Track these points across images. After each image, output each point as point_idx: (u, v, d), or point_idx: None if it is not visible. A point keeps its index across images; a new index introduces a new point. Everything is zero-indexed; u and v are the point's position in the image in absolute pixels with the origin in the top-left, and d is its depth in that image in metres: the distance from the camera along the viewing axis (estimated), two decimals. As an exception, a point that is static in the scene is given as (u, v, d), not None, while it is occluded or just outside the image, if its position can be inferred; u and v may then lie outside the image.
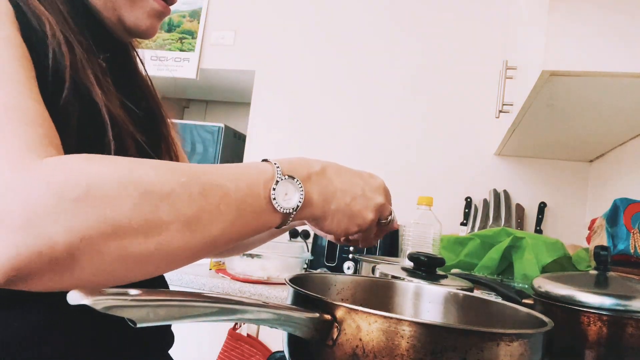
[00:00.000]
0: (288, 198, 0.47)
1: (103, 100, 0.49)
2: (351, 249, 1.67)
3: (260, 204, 0.45)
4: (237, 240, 0.45)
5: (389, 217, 0.58)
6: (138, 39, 0.68)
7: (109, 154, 0.49)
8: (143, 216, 0.37)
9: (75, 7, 0.54)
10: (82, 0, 0.56)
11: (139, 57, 0.70)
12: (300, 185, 0.48)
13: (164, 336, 0.63)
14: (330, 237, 0.71)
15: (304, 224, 0.70)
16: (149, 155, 0.56)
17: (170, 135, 0.69)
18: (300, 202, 0.47)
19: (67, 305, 0.47)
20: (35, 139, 0.38)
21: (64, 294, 0.46)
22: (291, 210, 0.47)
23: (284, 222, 0.48)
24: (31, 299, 0.46)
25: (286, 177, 0.47)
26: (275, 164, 0.47)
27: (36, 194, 0.34)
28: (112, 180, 0.37)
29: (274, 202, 0.46)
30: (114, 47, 0.61)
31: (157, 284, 0.63)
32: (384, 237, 1.69)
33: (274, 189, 0.46)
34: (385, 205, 0.57)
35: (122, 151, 0.51)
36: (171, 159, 0.68)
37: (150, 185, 0.38)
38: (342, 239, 0.68)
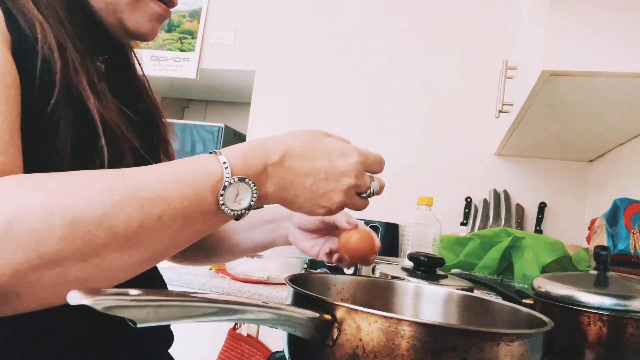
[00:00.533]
0: (239, 199, 0.44)
1: (95, 105, 0.48)
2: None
3: (209, 208, 0.43)
4: (186, 245, 0.44)
5: (368, 191, 0.54)
6: (137, 41, 0.68)
7: (103, 159, 0.48)
8: (74, 244, 0.35)
9: (74, 9, 0.53)
10: (81, 3, 0.56)
11: (137, 59, 0.69)
12: (253, 185, 0.45)
13: (164, 335, 0.63)
14: (312, 255, 0.72)
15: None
16: (146, 160, 0.55)
17: (167, 138, 0.69)
18: (252, 202, 0.45)
19: (66, 305, 0.47)
20: None
21: None
22: (243, 211, 0.45)
23: (238, 219, 0.46)
24: None
25: (235, 179, 0.43)
26: (224, 163, 0.43)
27: None
28: (36, 211, 0.35)
29: (222, 207, 0.43)
30: (113, 49, 0.60)
31: (155, 284, 0.63)
32: (384, 236, 1.70)
33: (221, 195, 0.43)
34: (357, 184, 0.52)
35: (118, 156, 0.51)
36: (169, 160, 0.68)
37: (79, 212, 0.36)
38: (322, 254, 0.69)
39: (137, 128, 0.56)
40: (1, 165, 0.39)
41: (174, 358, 0.66)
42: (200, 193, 0.42)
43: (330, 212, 0.51)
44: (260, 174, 0.46)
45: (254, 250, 0.80)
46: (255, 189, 0.45)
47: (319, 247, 0.71)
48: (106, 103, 0.51)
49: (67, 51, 0.48)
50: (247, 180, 0.44)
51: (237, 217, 0.45)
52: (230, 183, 0.43)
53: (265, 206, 0.56)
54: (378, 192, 0.55)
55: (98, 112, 0.49)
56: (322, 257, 0.71)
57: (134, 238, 0.38)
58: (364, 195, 0.54)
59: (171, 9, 0.61)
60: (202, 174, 0.43)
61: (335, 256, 0.69)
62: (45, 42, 0.47)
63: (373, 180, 0.54)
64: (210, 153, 0.45)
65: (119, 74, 0.62)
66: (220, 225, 0.46)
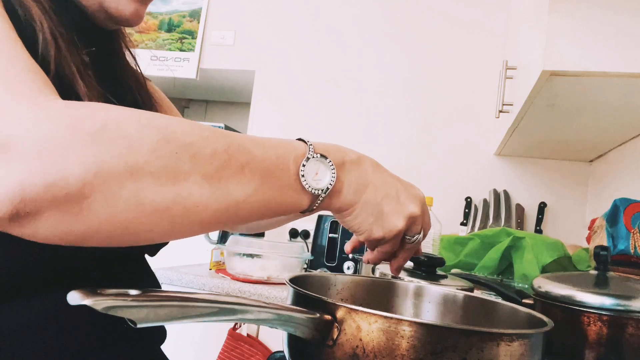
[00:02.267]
0: (318, 178, 0.44)
1: (85, 93, 0.47)
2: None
3: (288, 179, 0.43)
4: (257, 216, 0.42)
5: (416, 236, 0.52)
6: (135, 41, 0.67)
7: None
8: (161, 162, 0.35)
9: (61, 2, 0.53)
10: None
11: (129, 49, 0.67)
12: (332, 167, 0.45)
13: (156, 331, 0.63)
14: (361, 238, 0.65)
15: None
16: None
17: None
18: (331, 184, 0.44)
19: (58, 299, 0.47)
20: (45, 84, 0.38)
21: (56, 288, 0.46)
22: (320, 192, 0.44)
23: (310, 207, 0.45)
24: (23, 294, 0.46)
25: (318, 155, 0.44)
26: (308, 142, 0.45)
27: (51, 124, 0.33)
28: (131, 121, 0.35)
29: (302, 179, 0.43)
30: (99, 40, 0.59)
31: (147, 284, 0.63)
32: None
33: (303, 165, 0.43)
34: (418, 218, 0.50)
35: None
36: None
37: (171, 133, 0.36)
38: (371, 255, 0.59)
39: None
40: (50, 85, 0.39)
41: (166, 355, 0.66)
42: (283, 159, 0.42)
43: (386, 237, 0.49)
44: (339, 165, 0.46)
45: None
46: (334, 172, 0.45)
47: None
48: (94, 92, 0.50)
49: (57, 38, 0.48)
50: (328, 160, 0.45)
51: (311, 202, 0.44)
52: (313, 157, 0.44)
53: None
54: (418, 245, 0.54)
55: (87, 98, 0.48)
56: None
57: (214, 177, 0.38)
58: (409, 237, 0.52)
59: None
60: (287, 145, 0.44)
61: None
62: (42, 27, 0.46)
63: (423, 230, 0.52)
64: None
65: (106, 66, 0.61)
66: (292, 210, 0.44)
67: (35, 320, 0.47)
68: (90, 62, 0.56)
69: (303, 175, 0.43)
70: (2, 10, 0.43)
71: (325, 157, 0.44)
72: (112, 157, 0.33)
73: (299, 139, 0.46)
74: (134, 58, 0.68)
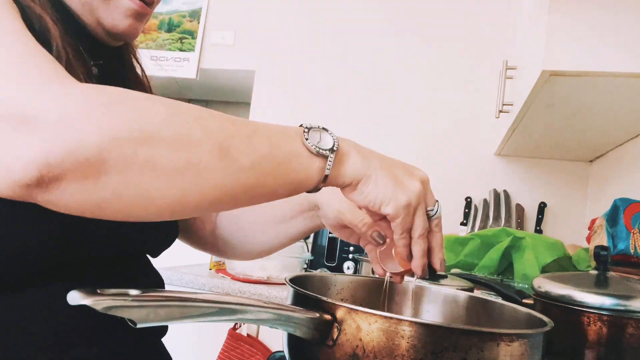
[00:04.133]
0: (322, 142, 0.45)
1: None
2: (351, 248, 1.66)
3: (294, 146, 0.44)
4: (269, 188, 0.43)
5: (437, 207, 0.49)
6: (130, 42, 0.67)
7: None
8: (173, 129, 0.38)
9: (66, 19, 0.54)
10: (69, 12, 0.56)
11: (139, 62, 0.68)
12: (333, 135, 0.46)
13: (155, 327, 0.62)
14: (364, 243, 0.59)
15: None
16: None
17: None
18: (336, 145, 0.45)
19: (54, 291, 0.47)
20: (63, 70, 0.41)
21: (52, 280, 0.46)
22: (327, 152, 0.44)
23: (321, 176, 0.44)
24: (21, 285, 0.46)
25: (318, 126, 0.45)
26: (302, 124, 0.46)
27: (72, 98, 0.37)
28: (144, 97, 0.39)
29: (306, 142, 0.44)
30: (108, 55, 0.60)
31: (152, 284, 0.63)
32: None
33: (306, 132, 0.44)
34: (428, 184, 0.50)
35: None
36: None
37: (179, 107, 0.40)
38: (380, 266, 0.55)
39: None
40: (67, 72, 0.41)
41: (166, 348, 0.65)
42: (286, 130, 0.44)
43: (411, 204, 0.47)
44: (340, 139, 0.46)
45: (295, 238, 0.75)
46: (336, 139, 0.45)
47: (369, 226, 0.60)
48: None
49: (68, 48, 0.49)
50: (330, 131, 0.46)
51: (322, 164, 0.44)
52: (313, 127, 0.45)
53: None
54: (439, 217, 0.50)
55: None
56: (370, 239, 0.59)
57: (223, 145, 0.40)
58: (431, 209, 0.49)
59: (151, 8, 0.60)
60: (284, 125, 0.45)
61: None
62: (55, 38, 0.48)
63: (437, 202, 0.50)
64: None
65: (114, 79, 0.62)
66: (303, 179, 0.44)
67: (30, 310, 0.47)
68: (100, 75, 0.57)
69: (307, 139, 0.44)
70: (19, 18, 0.45)
71: (326, 129, 0.46)
72: (126, 125, 0.36)
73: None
74: (143, 71, 0.69)
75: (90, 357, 0.50)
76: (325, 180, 0.45)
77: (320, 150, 0.44)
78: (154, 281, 0.64)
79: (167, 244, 0.65)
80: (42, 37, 0.47)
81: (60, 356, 0.47)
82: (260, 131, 0.43)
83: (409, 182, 0.47)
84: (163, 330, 0.65)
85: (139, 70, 0.69)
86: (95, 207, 0.38)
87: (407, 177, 0.48)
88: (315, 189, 0.46)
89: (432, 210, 0.49)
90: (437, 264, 0.51)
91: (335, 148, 0.45)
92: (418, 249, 0.49)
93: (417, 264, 0.49)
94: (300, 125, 0.46)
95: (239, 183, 0.41)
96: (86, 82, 0.50)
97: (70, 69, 0.49)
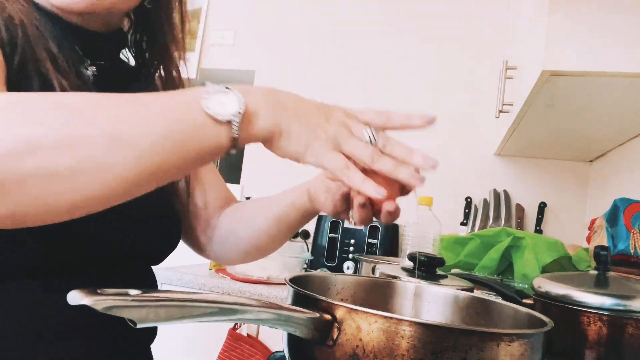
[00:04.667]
0: (225, 107, 0.41)
1: None
2: (351, 248, 1.66)
3: (195, 115, 0.40)
4: (180, 164, 0.40)
5: (366, 132, 0.48)
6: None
7: None
8: (58, 131, 0.36)
9: (55, 22, 0.53)
10: (52, 15, 0.54)
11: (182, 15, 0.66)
12: (238, 94, 0.42)
13: (146, 330, 0.62)
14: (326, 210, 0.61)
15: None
16: None
17: None
18: (241, 108, 0.41)
19: (40, 292, 0.47)
20: None
21: (36, 280, 0.46)
22: (232, 117, 0.41)
23: (233, 141, 0.42)
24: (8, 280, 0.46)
25: (221, 87, 0.41)
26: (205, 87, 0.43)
27: None
28: (34, 102, 0.37)
29: (207, 110, 0.40)
30: (105, 55, 0.60)
31: (144, 284, 0.63)
32: (384, 236, 1.70)
33: (205, 99, 0.40)
34: (349, 111, 0.48)
35: None
36: None
37: (70, 103, 0.38)
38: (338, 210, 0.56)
39: None
40: None
41: (152, 355, 0.65)
42: (181, 97, 0.41)
43: (339, 142, 0.45)
44: (246, 93, 0.43)
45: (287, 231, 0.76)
46: (242, 98, 0.42)
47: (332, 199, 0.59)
48: None
49: (59, 62, 0.50)
50: (231, 89, 0.42)
51: (229, 133, 0.41)
52: (214, 90, 0.41)
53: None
54: (384, 138, 0.48)
55: None
56: (338, 208, 0.59)
57: (114, 133, 0.37)
58: (366, 140, 0.48)
59: None
60: (187, 92, 0.42)
61: (359, 200, 0.52)
62: (39, 51, 0.49)
63: (368, 126, 0.48)
64: None
65: (114, 79, 0.61)
66: (214, 148, 0.41)
67: (18, 314, 0.47)
68: (101, 74, 0.56)
69: (208, 107, 0.40)
70: None
71: (228, 88, 0.42)
72: (10, 137, 0.35)
73: None
74: (150, 70, 0.68)
75: (79, 354, 0.50)
76: (236, 143, 0.42)
77: (224, 117, 0.41)
78: (148, 283, 0.64)
79: (167, 252, 0.65)
80: (28, 50, 0.48)
81: (49, 351, 0.48)
82: (155, 109, 0.40)
83: (324, 126, 0.45)
84: (151, 336, 0.64)
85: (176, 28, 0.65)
86: (8, 219, 0.36)
87: (322, 120, 0.45)
88: (232, 150, 0.43)
89: (365, 137, 0.47)
90: (419, 161, 0.51)
91: (241, 111, 0.41)
92: (384, 165, 0.48)
93: (401, 174, 0.49)
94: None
95: (142, 168, 0.38)
96: (77, 81, 0.50)
97: (57, 68, 0.49)
